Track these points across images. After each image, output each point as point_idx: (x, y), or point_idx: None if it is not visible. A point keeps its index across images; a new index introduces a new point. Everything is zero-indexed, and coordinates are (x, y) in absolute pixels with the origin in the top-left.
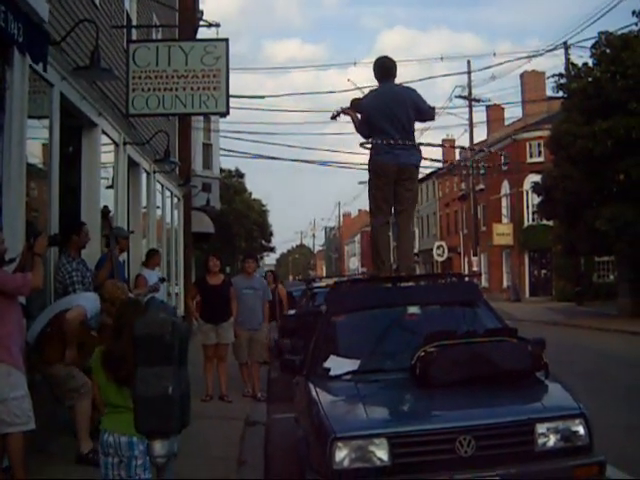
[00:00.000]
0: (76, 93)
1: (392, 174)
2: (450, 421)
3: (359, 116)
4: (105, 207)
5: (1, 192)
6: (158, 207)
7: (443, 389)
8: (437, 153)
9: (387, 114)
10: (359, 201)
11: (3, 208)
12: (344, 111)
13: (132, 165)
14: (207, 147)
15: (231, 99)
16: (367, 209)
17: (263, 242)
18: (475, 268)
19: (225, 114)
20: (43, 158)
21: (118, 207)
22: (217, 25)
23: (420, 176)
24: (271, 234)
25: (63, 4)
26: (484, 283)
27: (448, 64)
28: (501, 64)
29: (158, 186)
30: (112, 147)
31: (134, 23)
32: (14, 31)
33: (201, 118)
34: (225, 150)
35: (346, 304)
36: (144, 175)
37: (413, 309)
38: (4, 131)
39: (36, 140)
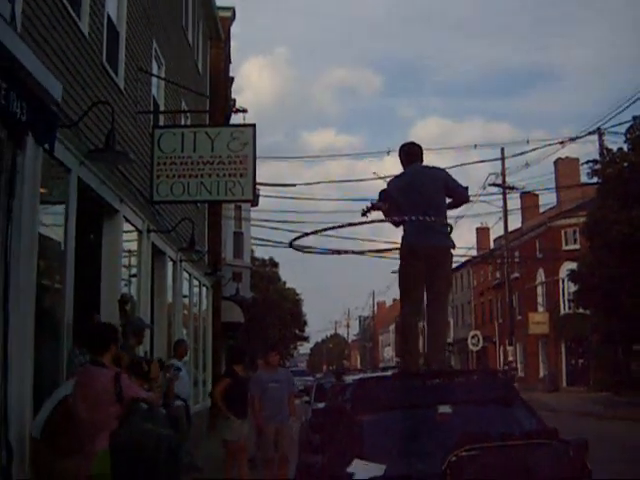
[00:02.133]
0: (95, 178)
1: (423, 257)
2: None
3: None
4: (123, 295)
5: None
6: (186, 296)
7: None
8: (471, 241)
9: (415, 194)
10: (393, 290)
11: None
12: (374, 206)
13: (157, 253)
14: (238, 236)
15: (263, 187)
16: None
17: (297, 331)
18: (511, 358)
19: (251, 201)
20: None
21: (141, 296)
22: (244, 111)
23: (455, 265)
24: (305, 323)
25: (85, 88)
26: (520, 372)
27: (482, 152)
28: (534, 149)
29: (185, 275)
30: (135, 235)
31: (161, 109)
32: (16, 110)
33: (231, 206)
34: (257, 239)
35: (371, 402)
36: (170, 264)
37: (444, 408)
38: (13, 217)
39: (54, 227)
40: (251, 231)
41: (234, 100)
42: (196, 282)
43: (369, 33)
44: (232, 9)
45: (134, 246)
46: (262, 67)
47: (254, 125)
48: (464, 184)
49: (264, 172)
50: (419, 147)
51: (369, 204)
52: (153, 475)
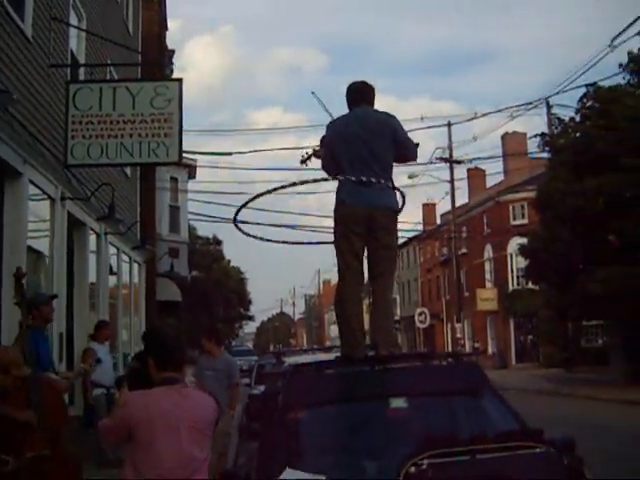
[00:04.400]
0: None
1: (362, 221)
2: None
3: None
4: (18, 269)
5: None
6: (114, 273)
7: None
8: (417, 216)
9: (356, 143)
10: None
11: None
12: (315, 154)
13: (76, 224)
14: (174, 210)
15: (199, 157)
16: None
17: (242, 310)
18: (459, 335)
19: (176, 164)
20: None
21: (54, 271)
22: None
23: (400, 241)
24: (250, 302)
25: None
26: (467, 349)
27: (429, 129)
28: (480, 117)
29: (113, 250)
30: (47, 203)
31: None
32: None
33: (167, 178)
34: (196, 214)
35: (308, 396)
36: (93, 237)
37: (397, 402)
38: None
39: None
40: (189, 206)
41: (171, 69)
42: (126, 258)
43: (314, 12)
44: None
45: (46, 215)
46: (208, 45)
47: (180, 80)
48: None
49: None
50: (370, 87)
51: (309, 151)
52: None
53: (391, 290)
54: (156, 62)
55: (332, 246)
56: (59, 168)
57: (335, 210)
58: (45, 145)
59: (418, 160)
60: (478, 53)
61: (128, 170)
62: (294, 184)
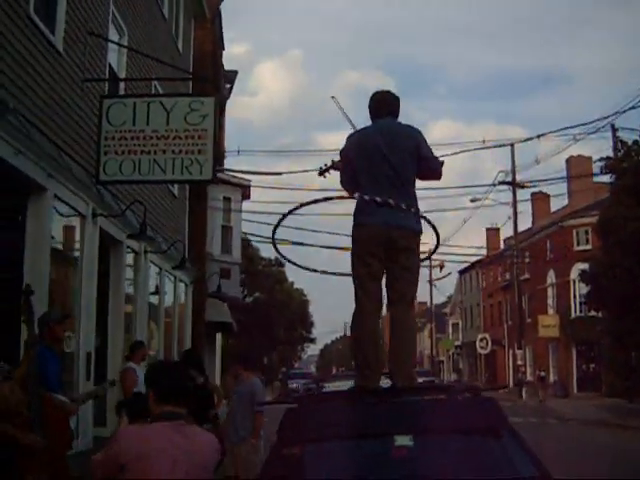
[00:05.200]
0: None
1: (381, 242)
2: None
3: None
4: (27, 285)
5: None
6: (155, 293)
7: None
8: (481, 241)
9: (376, 156)
10: None
11: None
12: (334, 165)
13: (112, 242)
14: (226, 230)
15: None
16: None
17: (304, 333)
18: (520, 362)
19: (210, 182)
20: None
21: (82, 289)
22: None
23: (464, 266)
24: (312, 324)
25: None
26: (529, 377)
27: (493, 153)
28: (540, 135)
29: (156, 269)
30: (78, 219)
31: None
32: None
33: (220, 198)
34: (251, 235)
35: (306, 431)
36: (131, 255)
37: (403, 440)
38: None
39: None
40: (243, 226)
41: (228, 89)
42: (171, 277)
43: (381, 36)
44: None
45: (77, 232)
46: (276, 69)
47: (216, 96)
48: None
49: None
50: (395, 97)
51: (328, 162)
52: None
53: (411, 315)
54: (207, 79)
55: None
56: (91, 184)
57: (353, 231)
58: (77, 160)
59: (479, 182)
60: (548, 76)
61: (175, 189)
62: (326, 199)
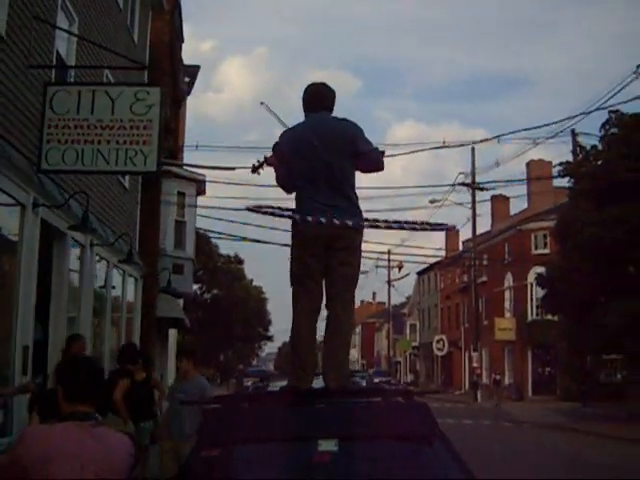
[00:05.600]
0: None
1: (319, 241)
2: None
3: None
4: None
5: None
6: (102, 287)
7: None
8: (440, 242)
9: (310, 153)
10: (361, 290)
11: None
12: (268, 161)
13: (55, 234)
14: (180, 225)
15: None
16: (369, 300)
17: (261, 330)
18: (475, 364)
19: (154, 173)
20: None
21: (21, 282)
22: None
23: (423, 266)
24: (269, 322)
25: None
26: (485, 380)
27: (455, 154)
28: (500, 136)
29: (103, 263)
30: (18, 209)
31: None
32: None
33: (174, 192)
34: (207, 230)
35: (225, 432)
36: (77, 249)
37: (327, 444)
38: None
39: None
40: (198, 222)
41: (187, 82)
42: (120, 272)
43: (348, 37)
44: None
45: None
46: (241, 66)
47: (161, 84)
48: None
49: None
50: (329, 90)
51: (261, 159)
52: None
53: (349, 314)
54: (147, 68)
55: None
56: (32, 173)
57: (292, 228)
58: (18, 148)
59: (441, 183)
60: (513, 79)
61: (126, 181)
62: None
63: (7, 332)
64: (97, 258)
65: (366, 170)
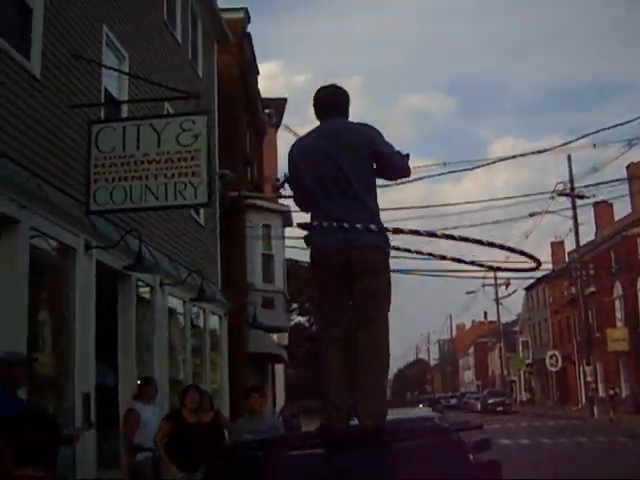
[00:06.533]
0: None
1: (340, 264)
2: None
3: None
4: None
5: None
6: (180, 326)
7: None
8: (546, 255)
9: (323, 161)
10: (471, 311)
11: None
12: (288, 181)
13: (120, 276)
14: (267, 258)
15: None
16: (481, 319)
17: None
18: (589, 378)
19: (206, 205)
20: None
21: (76, 328)
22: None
23: (530, 282)
24: None
25: None
26: (601, 393)
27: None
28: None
29: (175, 302)
30: (67, 252)
31: (124, 109)
32: None
33: (260, 225)
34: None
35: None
36: (146, 289)
37: None
38: None
39: None
40: (286, 253)
41: (268, 114)
42: (200, 310)
43: (439, 58)
44: (244, 10)
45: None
46: None
47: (207, 111)
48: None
49: None
50: (341, 92)
51: (283, 175)
52: None
53: (382, 341)
54: (195, 96)
55: (462, 287)
56: (82, 215)
57: (310, 251)
58: (65, 190)
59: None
60: (610, 86)
61: (201, 217)
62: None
63: (66, 380)
64: (167, 297)
65: (390, 176)
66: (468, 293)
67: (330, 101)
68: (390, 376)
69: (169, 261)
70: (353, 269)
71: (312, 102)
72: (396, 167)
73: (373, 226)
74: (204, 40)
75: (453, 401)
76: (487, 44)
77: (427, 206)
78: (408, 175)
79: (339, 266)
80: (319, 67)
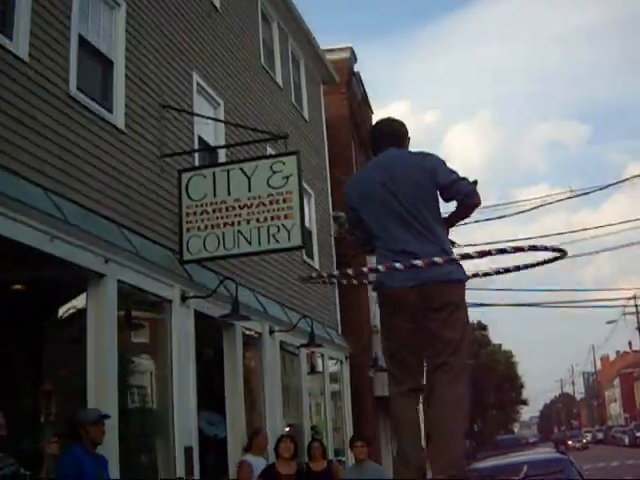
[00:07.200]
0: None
1: (408, 305)
2: None
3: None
4: (45, 384)
5: None
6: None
7: None
8: None
9: (382, 196)
10: (612, 341)
11: None
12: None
13: (224, 324)
14: None
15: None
16: (625, 349)
17: (513, 395)
18: None
19: (301, 248)
20: None
21: (174, 381)
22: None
23: None
24: (522, 386)
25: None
26: None
27: None
28: None
29: (289, 347)
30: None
31: (222, 156)
32: None
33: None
34: None
35: None
36: (255, 336)
37: None
38: None
39: None
40: None
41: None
42: (317, 355)
43: (568, 84)
44: (349, 49)
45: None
46: (467, 132)
47: (297, 152)
48: None
49: (480, 236)
50: (397, 124)
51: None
52: None
53: (459, 386)
54: (284, 137)
55: (601, 318)
56: (175, 266)
57: (377, 295)
58: (157, 241)
59: None
60: None
61: (315, 261)
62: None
63: (165, 433)
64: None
65: (461, 212)
66: (609, 323)
67: (385, 134)
68: (536, 413)
69: (281, 307)
70: (425, 307)
71: (369, 138)
72: (462, 195)
73: (439, 259)
74: (308, 82)
75: (600, 435)
76: (615, 64)
77: (561, 233)
78: (476, 204)
79: (410, 305)
80: (444, 104)
